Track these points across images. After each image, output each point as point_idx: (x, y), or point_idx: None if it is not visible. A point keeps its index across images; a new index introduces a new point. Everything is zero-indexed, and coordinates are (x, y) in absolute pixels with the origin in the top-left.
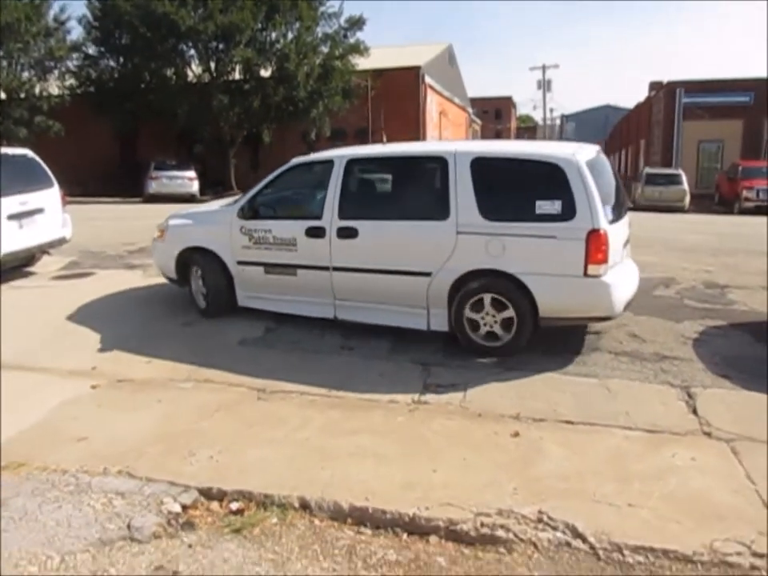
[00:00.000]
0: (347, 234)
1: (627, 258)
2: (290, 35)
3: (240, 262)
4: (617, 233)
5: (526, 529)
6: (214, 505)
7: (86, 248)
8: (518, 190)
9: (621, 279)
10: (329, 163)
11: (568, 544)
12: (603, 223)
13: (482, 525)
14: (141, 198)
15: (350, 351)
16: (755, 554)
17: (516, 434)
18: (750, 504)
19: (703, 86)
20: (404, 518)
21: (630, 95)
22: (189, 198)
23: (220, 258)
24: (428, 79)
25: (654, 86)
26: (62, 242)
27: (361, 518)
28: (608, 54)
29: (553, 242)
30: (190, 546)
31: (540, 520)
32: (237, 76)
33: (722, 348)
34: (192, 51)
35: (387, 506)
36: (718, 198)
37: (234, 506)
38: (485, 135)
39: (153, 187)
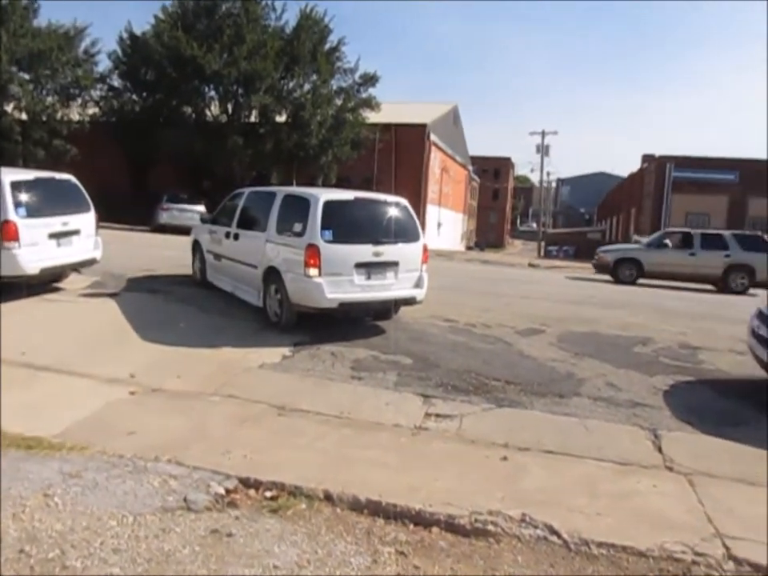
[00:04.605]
0: (236, 237)
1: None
2: (306, 86)
3: (207, 251)
4: (341, 250)
5: (511, 526)
6: (251, 492)
7: (109, 270)
8: (292, 215)
9: (338, 283)
10: (242, 193)
11: (545, 538)
12: (317, 240)
13: (476, 521)
14: (149, 226)
15: (359, 381)
16: (696, 553)
17: (504, 458)
18: (698, 520)
19: (693, 162)
20: (411, 512)
21: (625, 165)
22: None
23: (201, 247)
24: (433, 137)
25: (647, 159)
26: (92, 262)
27: (375, 509)
28: (604, 124)
29: (295, 251)
30: (236, 518)
31: (523, 520)
32: (253, 119)
33: (688, 399)
34: (213, 93)
35: (397, 502)
36: None
37: (269, 493)
38: (483, 193)
39: (163, 218)
